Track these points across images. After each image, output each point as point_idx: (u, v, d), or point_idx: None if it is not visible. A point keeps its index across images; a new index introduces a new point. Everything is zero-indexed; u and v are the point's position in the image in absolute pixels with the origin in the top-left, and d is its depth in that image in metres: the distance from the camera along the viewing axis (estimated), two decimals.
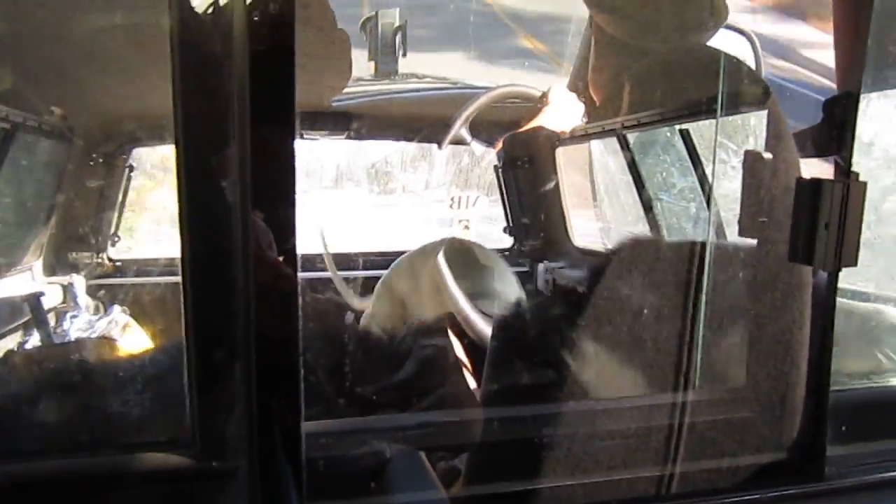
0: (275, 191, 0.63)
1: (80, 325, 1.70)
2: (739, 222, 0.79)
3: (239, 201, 0.63)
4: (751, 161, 0.79)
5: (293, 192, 0.63)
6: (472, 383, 1.21)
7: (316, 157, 2.31)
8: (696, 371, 0.89)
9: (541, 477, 0.78)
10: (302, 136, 2.24)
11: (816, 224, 0.71)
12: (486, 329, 1.76)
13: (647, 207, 2.02)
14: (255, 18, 0.62)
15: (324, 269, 1.87)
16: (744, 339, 0.84)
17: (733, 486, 0.74)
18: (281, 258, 0.63)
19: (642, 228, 2.01)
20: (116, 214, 2.12)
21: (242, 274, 0.63)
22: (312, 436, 0.70)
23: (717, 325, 0.91)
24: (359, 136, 2.31)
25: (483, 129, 2.13)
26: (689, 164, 1.97)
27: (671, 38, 1.36)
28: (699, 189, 1.89)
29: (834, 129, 0.78)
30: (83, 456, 0.67)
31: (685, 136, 2.00)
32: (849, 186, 0.70)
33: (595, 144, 2.27)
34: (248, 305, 0.62)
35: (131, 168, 2.11)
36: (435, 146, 2.25)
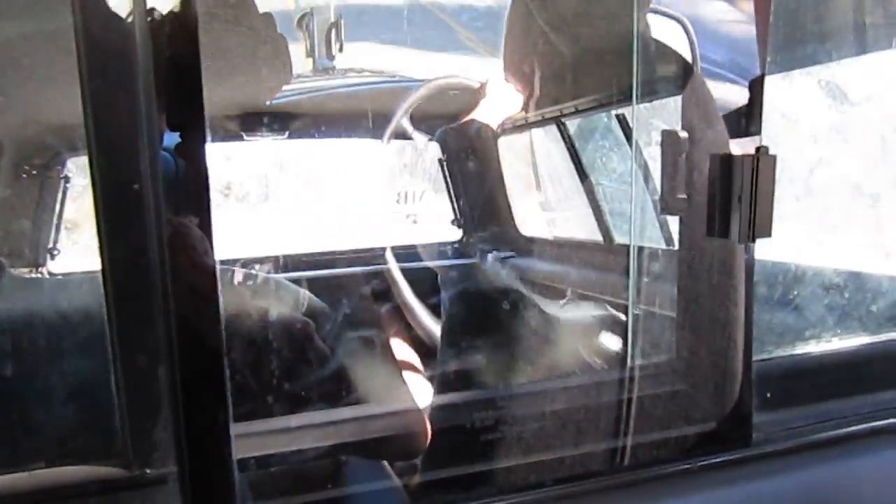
0: (189, 196, 0.62)
1: None
2: (660, 200, 0.81)
3: (153, 208, 0.62)
4: (668, 140, 0.80)
5: (207, 197, 0.62)
6: (410, 376, 1.22)
7: (258, 158, 2.28)
8: (630, 349, 0.91)
9: (492, 459, 0.79)
10: (242, 138, 2.22)
11: (730, 198, 0.73)
12: (430, 323, 1.77)
13: (589, 192, 2.05)
14: (158, 25, 0.61)
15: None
16: (674, 315, 0.86)
17: (664, 458, 0.76)
18: (200, 262, 0.63)
19: (585, 213, 2.04)
20: (54, 228, 2.07)
21: (160, 279, 0.62)
22: (244, 436, 0.69)
23: (648, 303, 0.93)
24: (300, 135, 2.29)
25: (425, 121, 2.14)
26: (628, 148, 2.00)
27: (598, 25, 1.38)
28: (638, 172, 1.92)
29: (746, 107, 0.81)
30: (9, 472, 0.65)
31: (622, 121, 2.04)
32: (758, 160, 0.72)
33: (535, 133, 2.29)
34: (168, 309, 0.62)
35: (66, 179, 2.06)
36: (377, 141, 2.24)
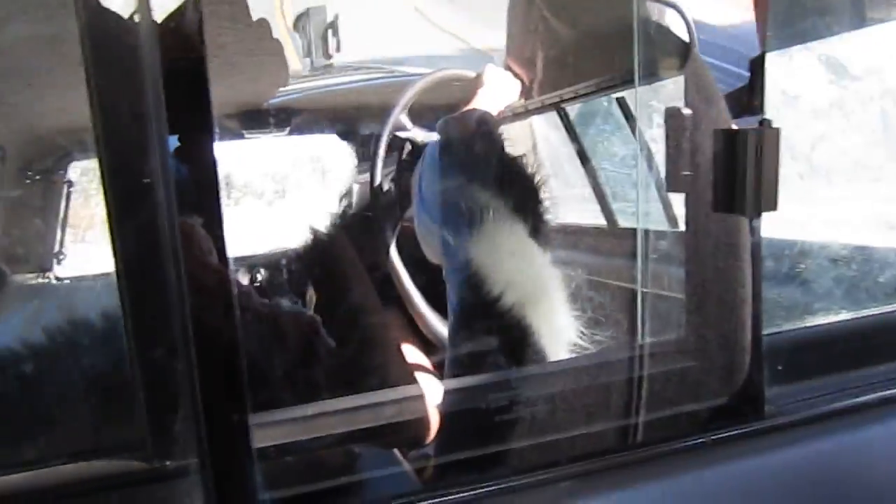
0: (198, 194, 0.63)
1: None
2: (666, 178, 0.82)
3: (165, 207, 0.63)
4: (671, 117, 0.81)
5: (217, 195, 0.63)
6: (419, 369, 1.22)
7: (259, 155, 2.29)
8: (641, 328, 0.91)
9: (506, 440, 0.80)
10: (243, 136, 2.23)
11: (735, 172, 0.74)
12: (434, 318, 1.76)
13: (592, 177, 2.05)
14: (164, 24, 0.62)
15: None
16: (683, 291, 0.86)
17: (679, 433, 0.77)
18: (213, 258, 0.64)
19: (588, 197, 2.04)
20: (59, 232, 2.08)
21: (175, 274, 0.63)
22: (263, 426, 0.70)
23: (656, 285, 0.94)
24: (301, 132, 2.30)
25: (423, 114, 2.14)
26: (629, 131, 2.00)
27: (597, 8, 1.38)
28: (641, 154, 1.92)
29: (748, 84, 0.81)
30: (33, 468, 0.66)
31: (622, 105, 2.04)
32: (762, 134, 0.73)
33: (536, 119, 2.29)
34: (183, 304, 0.63)
35: (70, 183, 2.06)
36: (377, 135, 2.25)
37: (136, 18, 0.64)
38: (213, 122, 0.64)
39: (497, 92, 1.75)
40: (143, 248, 0.65)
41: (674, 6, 1.80)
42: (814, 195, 1.47)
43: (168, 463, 0.66)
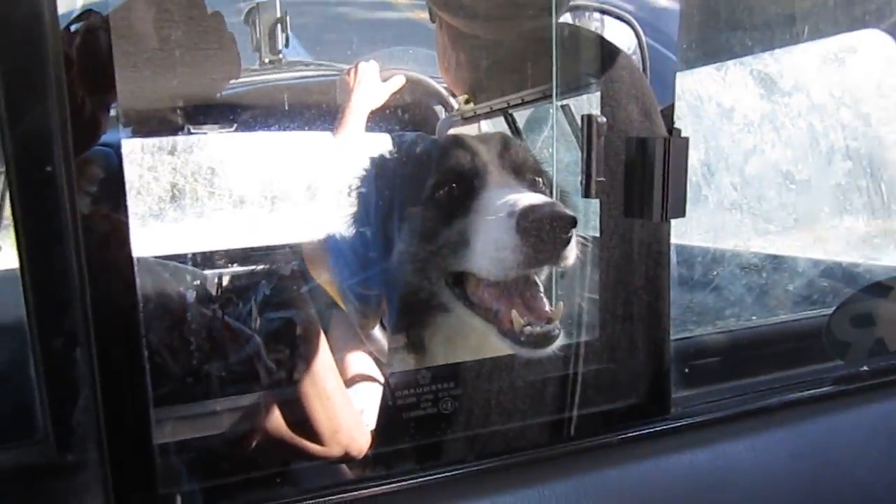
0: (104, 189, 0.63)
1: None
2: (581, 184, 0.83)
3: (67, 199, 0.62)
4: (587, 124, 0.82)
5: (123, 190, 0.63)
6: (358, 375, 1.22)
7: (204, 152, 2.25)
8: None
9: (416, 437, 0.80)
10: (189, 132, 2.19)
11: (645, 179, 0.75)
12: (379, 336, 1.75)
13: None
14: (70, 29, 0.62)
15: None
16: (598, 296, 0.88)
17: (585, 433, 0.78)
18: (115, 247, 0.64)
19: None
20: None
21: (76, 263, 0.62)
22: (169, 420, 0.70)
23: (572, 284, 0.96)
24: (249, 128, 2.27)
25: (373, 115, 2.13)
26: (573, 138, 2.03)
27: (517, 27, 1.39)
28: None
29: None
30: None
31: (566, 112, 2.06)
32: (671, 142, 0.74)
33: (485, 126, 2.30)
34: (84, 293, 0.62)
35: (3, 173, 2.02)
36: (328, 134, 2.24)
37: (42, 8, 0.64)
38: (118, 117, 0.64)
39: (370, 88, 1.72)
40: (45, 235, 0.64)
41: (627, 21, 1.82)
42: (744, 205, 1.51)
43: (68, 456, 0.65)
